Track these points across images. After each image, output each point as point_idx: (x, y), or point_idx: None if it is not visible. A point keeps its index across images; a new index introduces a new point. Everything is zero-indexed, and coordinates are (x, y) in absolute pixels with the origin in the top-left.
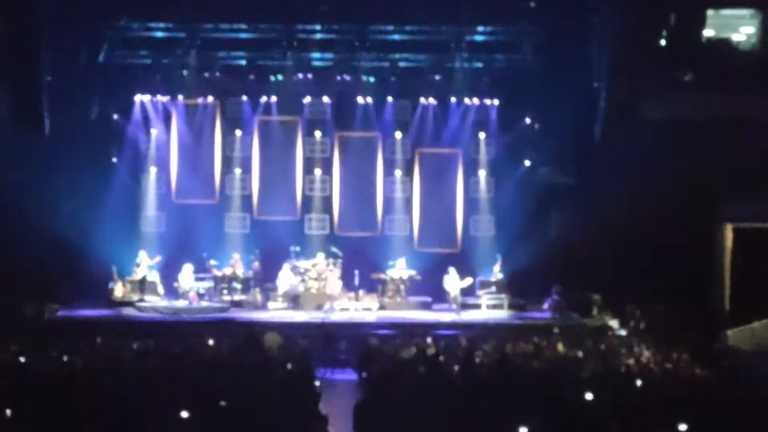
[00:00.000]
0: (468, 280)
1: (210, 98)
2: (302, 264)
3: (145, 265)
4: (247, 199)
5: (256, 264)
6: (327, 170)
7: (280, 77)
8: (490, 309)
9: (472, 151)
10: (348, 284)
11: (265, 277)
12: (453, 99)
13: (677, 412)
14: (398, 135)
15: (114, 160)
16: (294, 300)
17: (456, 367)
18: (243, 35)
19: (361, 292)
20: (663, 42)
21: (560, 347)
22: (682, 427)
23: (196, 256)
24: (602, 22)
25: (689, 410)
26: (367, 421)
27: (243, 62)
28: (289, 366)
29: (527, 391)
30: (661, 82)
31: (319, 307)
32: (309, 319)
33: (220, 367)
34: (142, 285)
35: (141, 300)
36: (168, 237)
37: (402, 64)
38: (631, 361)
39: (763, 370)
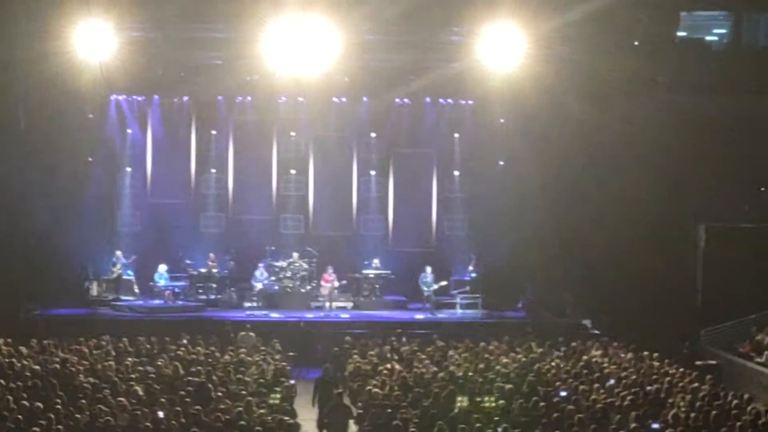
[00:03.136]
0: (443, 283)
1: (185, 98)
2: (277, 263)
3: (121, 264)
4: (222, 198)
5: (232, 263)
6: (302, 170)
7: (255, 77)
8: (464, 308)
9: (446, 151)
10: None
11: (241, 277)
12: (427, 99)
13: (650, 410)
14: (373, 135)
15: (89, 159)
16: (269, 299)
17: (431, 366)
18: (219, 35)
19: (335, 291)
20: (637, 42)
21: (534, 346)
22: (655, 425)
23: (172, 256)
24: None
25: (662, 409)
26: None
27: (219, 62)
28: (264, 365)
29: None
30: (634, 82)
31: (305, 305)
32: (284, 318)
33: (195, 365)
34: (118, 284)
35: (116, 299)
36: (143, 236)
37: (376, 64)
38: (605, 360)
39: (735, 369)
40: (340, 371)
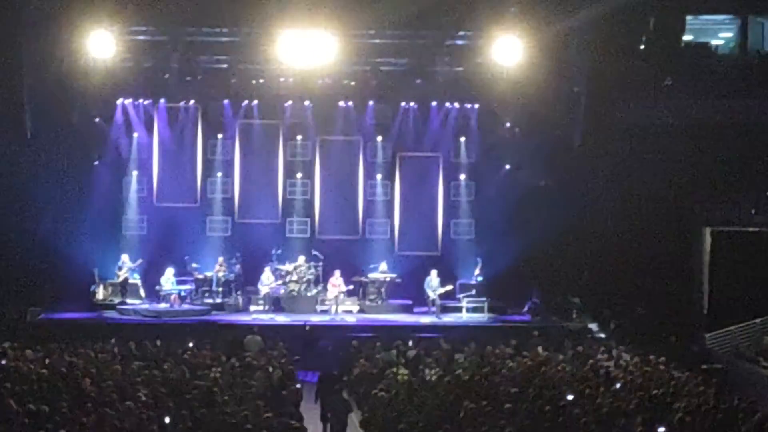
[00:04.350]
0: (449, 287)
1: (192, 102)
2: (283, 267)
3: (127, 268)
4: (228, 202)
5: (238, 267)
6: (308, 174)
7: (261, 81)
8: (470, 312)
9: (452, 155)
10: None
11: (247, 280)
12: (434, 103)
13: (656, 414)
14: (379, 139)
15: (96, 163)
16: (275, 303)
17: (438, 370)
18: (225, 39)
19: (341, 295)
20: (642, 46)
21: (540, 350)
22: (661, 429)
23: (178, 259)
24: (582, 27)
25: (668, 413)
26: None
27: (225, 66)
28: (270, 369)
29: (507, 394)
30: (640, 87)
31: (311, 309)
32: (290, 322)
33: (201, 369)
34: (124, 288)
35: (122, 303)
36: (150, 240)
37: (383, 67)
38: (611, 364)
39: (741, 373)
40: (346, 374)
